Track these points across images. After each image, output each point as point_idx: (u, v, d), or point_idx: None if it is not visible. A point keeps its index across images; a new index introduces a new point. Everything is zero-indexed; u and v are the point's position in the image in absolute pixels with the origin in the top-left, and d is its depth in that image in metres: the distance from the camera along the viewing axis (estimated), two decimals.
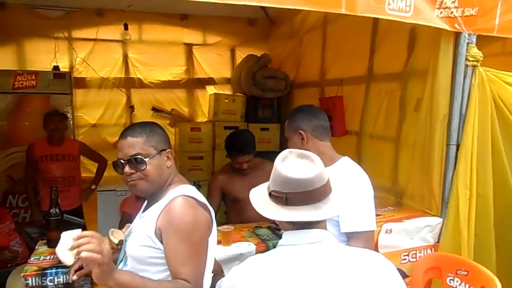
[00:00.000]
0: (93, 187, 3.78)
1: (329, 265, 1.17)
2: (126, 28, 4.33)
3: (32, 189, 3.55)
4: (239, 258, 2.18)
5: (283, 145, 4.59)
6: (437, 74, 2.33)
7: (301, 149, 1.79)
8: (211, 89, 5.05)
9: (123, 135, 1.58)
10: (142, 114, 4.84)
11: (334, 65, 3.61)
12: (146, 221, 1.54)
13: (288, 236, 1.26)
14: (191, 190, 1.56)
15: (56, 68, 4.20)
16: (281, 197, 1.22)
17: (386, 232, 2.36)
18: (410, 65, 2.67)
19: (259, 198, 1.31)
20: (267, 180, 2.65)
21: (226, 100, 4.66)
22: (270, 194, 1.27)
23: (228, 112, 4.64)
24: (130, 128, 1.61)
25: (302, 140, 1.92)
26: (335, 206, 1.23)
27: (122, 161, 1.53)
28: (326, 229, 1.26)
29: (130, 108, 4.82)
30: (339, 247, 1.24)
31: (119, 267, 1.59)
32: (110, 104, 4.75)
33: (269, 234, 2.43)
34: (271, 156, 3.36)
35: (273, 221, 2.48)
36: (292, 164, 1.25)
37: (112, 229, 2.22)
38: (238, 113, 4.65)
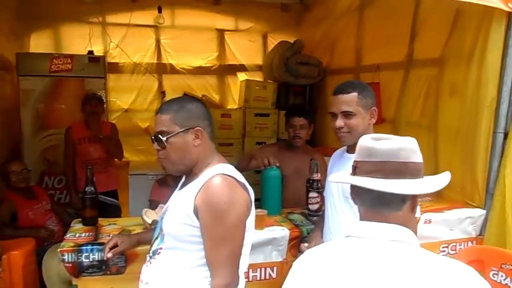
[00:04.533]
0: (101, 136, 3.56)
1: (408, 273, 0.99)
2: (160, 11, 4.32)
3: (71, 171, 3.59)
4: (272, 242, 2.15)
5: (315, 133, 4.54)
6: (485, 57, 2.21)
7: (365, 127, 1.73)
8: (242, 76, 5.01)
9: (158, 110, 1.56)
10: None
11: (371, 51, 3.50)
12: (183, 199, 1.51)
13: (361, 227, 1.10)
14: (230, 169, 1.51)
15: (90, 52, 4.24)
16: (352, 166, 1.14)
17: (425, 222, 2.28)
18: (453, 48, 2.54)
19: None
20: None
21: (257, 87, 4.61)
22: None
23: (259, 99, 4.59)
24: (165, 103, 1.58)
25: (371, 119, 1.81)
26: (413, 184, 1.06)
27: (152, 137, 1.52)
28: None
29: (162, 93, 4.83)
30: (423, 253, 1.06)
31: (155, 244, 1.57)
32: (142, 89, 4.77)
33: (303, 219, 2.38)
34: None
35: (307, 207, 2.47)
36: (373, 137, 1.13)
37: (145, 209, 2.23)
38: (269, 100, 4.59)
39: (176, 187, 3.36)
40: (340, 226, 1.83)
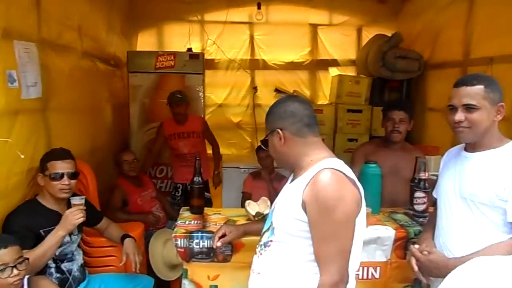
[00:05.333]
0: (216, 172, 3.91)
1: None
2: (259, 7, 4.42)
3: (151, 160, 3.87)
4: (376, 241, 2.09)
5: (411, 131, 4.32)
6: None
7: (489, 124, 1.60)
8: (333, 71, 4.94)
9: None
10: (265, 95, 4.94)
11: (483, 42, 3.21)
12: (292, 193, 1.52)
13: None
14: (339, 164, 1.48)
15: (189, 50, 4.46)
16: None
17: None
18: None
19: None
20: (412, 166, 2.44)
21: (350, 82, 4.50)
22: None
23: (352, 95, 4.49)
24: None
25: (497, 115, 1.65)
26: None
27: None
28: None
29: (254, 89, 4.95)
30: None
31: (265, 236, 1.60)
32: (236, 85, 4.93)
33: (408, 220, 2.28)
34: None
35: (411, 207, 2.35)
36: None
37: (248, 201, 2.29)
38: (363, 96, 4.46)
39: (271, 181, 3.42)
40: (455, 228, 1.72)
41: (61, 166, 2.12)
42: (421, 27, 4.12)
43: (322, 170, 1.42)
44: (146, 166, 3.89)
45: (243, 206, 3.38)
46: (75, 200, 2.05)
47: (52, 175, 2.09)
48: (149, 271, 2.74)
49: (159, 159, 4.12)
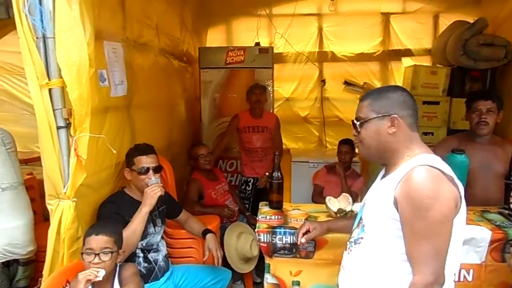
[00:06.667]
0: (267, 173, 3.81)
1: None
2: None
3: (218, 154, 3.84)
4: (469, 242, 1.96)
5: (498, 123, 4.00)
6: None
7: None
8: (406, 61, 4.69)
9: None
10: (333, 88, 4.83)
11: None
12: (383, 190, 1.46)
13: None
14: (436, 160, 1.39)
15: (257, 44, 4.45)
16: None
17: None
18: None
19: None
20: (505, 161, 2.27)
21: (426, 73, 4.25)
22: None
23: (428, 86, 4.22)
24: (368, 90, 1.59)
25: None
26: None
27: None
28: None
29: (322, 82, 4.85)
30: None
31: (355, 233, 1.56)
32: (303, 78, 4.85)
33: (503, 220, 2.11)
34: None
35: (506, 207, 2.17)
36: None
37: (328, 197, 2.24)
38: (440, 87, 4.18)
39: (345, 177, 3.33)
40: None
41: (146, 161, 2.21)
42: (510, 11, 3.78)
43: (416, 167, 1.35)
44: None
45: (313, 198, 3.36)
46: (152, 181, 2.17)
47: (139, 170, 2.18)
48: (223, 263, 2.79)
49: (228, 153, 4.17)
